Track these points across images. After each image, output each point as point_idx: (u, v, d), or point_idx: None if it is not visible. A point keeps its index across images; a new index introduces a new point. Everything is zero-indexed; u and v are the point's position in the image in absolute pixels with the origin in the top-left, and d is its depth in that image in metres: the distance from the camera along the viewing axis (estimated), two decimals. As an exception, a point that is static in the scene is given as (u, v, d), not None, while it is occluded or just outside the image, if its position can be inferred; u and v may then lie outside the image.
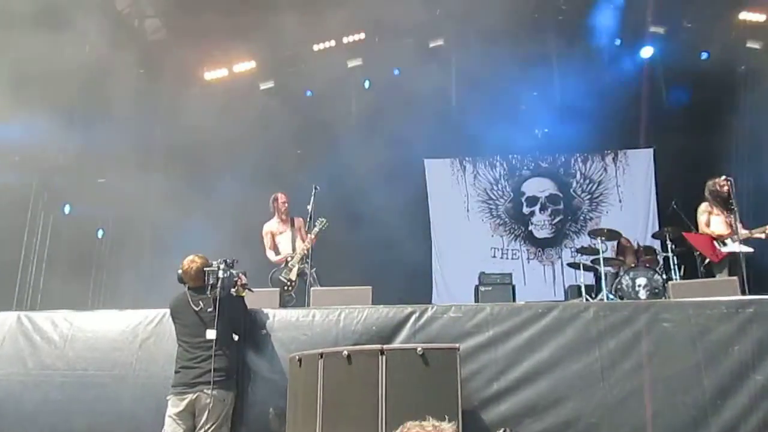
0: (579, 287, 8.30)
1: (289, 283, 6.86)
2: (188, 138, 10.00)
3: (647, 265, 8.04)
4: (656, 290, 7.51)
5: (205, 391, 4.34)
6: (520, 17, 9.99)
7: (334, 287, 5.93)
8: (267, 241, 7.42)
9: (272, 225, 7.48)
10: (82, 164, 9.33)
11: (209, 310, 4.50)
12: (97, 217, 10.23)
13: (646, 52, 10.72)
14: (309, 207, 6.70)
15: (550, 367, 4.62)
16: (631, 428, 4.41)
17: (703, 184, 7.02)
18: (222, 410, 4.46)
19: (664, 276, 7.80)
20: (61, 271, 9.54)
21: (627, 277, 7.84)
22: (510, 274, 8.81)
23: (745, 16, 10.10)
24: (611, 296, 7.80)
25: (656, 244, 8.90)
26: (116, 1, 9.97)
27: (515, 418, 4.49)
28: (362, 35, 10.61)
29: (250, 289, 4.93)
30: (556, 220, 11.62)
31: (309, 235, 6.86)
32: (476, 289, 8.71)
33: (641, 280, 7.68)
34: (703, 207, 6.90)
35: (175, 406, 4.44)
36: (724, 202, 6.73)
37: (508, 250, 11.52)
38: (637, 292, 7.69)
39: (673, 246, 7.92)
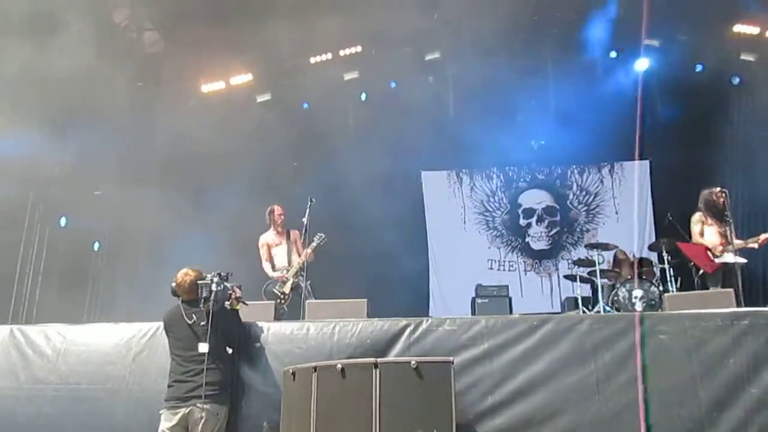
0: (576, 299, 8.31)
1: (282, 296, 6.85)
2: (185, 150, 10.01)
3: (643, 277, 8.04)
4: (653, 302, 7.51)
5: (198, 405, 4.31)
6: (516, 30, 10.05)
7: (330, 300, 5.91)
8: (263, 253, 7.42)
9: (268, 237, 7.49)
10: (78, 177, 9.33)
11: (202, 323, 4.47)
12: (93, 230, 10.21)
13: (642, 64, 10.77)
14: (304, 219, 6.71)
15: (545, 380, 4.60)
16: (626, 441, 4.39)
17: (698, 196, 7.03)
18: (215, 424, 4.43)
19: (661, 288, 7.80)
20: (57, 283, 9.54)
21: (623, 289, 7.85)
22: (507, 286, 8.80)
23: (739, 28, 10.17)
24: (608, 308, 7.80)
25: (653, 256, 8.91)
26: (114, 14, 10.02)
27: (510, 432, 4.46)
28: (359, 48, 10.66)
29: (244, 303, 4.91)
30: (552, 232, 11.63)
31: (306, 249, 6.86)
32: (473, 301, 8.69)
33: (638, 292, 7.69)
34: (697, 217, 6.91)
35: (168, 420, 4.41)
36: (718, 213, 6.74)
37: (505, 261, 11.51)
38: (633, 304, 7.70)
39: (669, 258, 7.92)
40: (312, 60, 10.57)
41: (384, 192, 10.47)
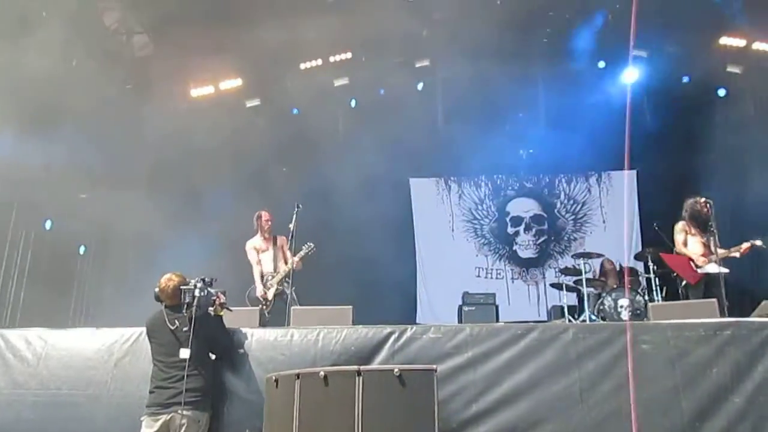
0: (562, 308, 8.34)
1: (265, 302, 6.82)
2: (173, 154, 9.97)
3: (629, 286, 8.07)
4: (638, 311, 7.54)
5: (179, 411, 4.27)
6: (506, 39, 10.08)
7: (315, 306, 5.89)
8: (252, 257, 7.39)
9: (255, 242, 7.47)
10: (64, 180, 9.25)
11: (185, 329, 4.44)
12: (78, 234, 10.13)
13: (630, 75, 10.85)
14: (291, 226, 6.68)
15: (529, 388, 4.60)
16: (609, 451, 4.40)
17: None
18: (197, 431, 4.39)
19: (646, 297, 7.85)
20: (42, 287, 9.43)
21: (609, 298, 7.89)
22: (493, 294, 8.81)
23: (725, 41, 10.27)
24: (594, 317, 7.83)
25: (639, 266, 8.97)
26: (104, 17, 9.97)
27: (494, 441, 4.45)
28: (349, 55, 10.66)
29: (228, 309, 4.88)
30: (540, 240, 11.67)
31: (293, 257, 6.83)
32: (460, 308, 8.69)
33: (623, 302, 7.72)
34: (680, 226, 6.95)
35: (149, 426, 4.37)
36: (702, 223, 6.78)
37: (492, 269, 11.54)
38: (619, 313, 7.73)
39: (655, 267, 7.97)
40: (302, 66, 10.56)
41: (372, 198, 10.46)
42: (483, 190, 11.94)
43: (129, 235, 10.54)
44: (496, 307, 8.51)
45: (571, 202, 11.75)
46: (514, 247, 11.68)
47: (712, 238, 6.49)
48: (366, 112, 11.22)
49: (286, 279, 6.87)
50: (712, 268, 6.52)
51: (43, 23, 8.80)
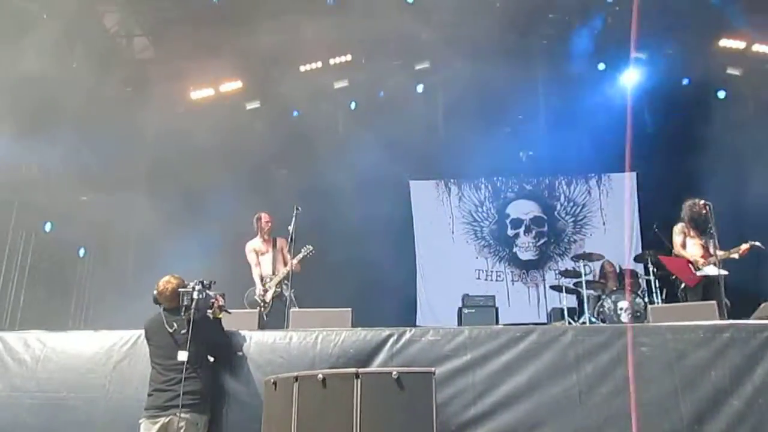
0: (562, 310, 8.33)
1: (263, 305, 6.81)
2: (173, 157, 9.98)
3: (629, 288, 8.06)
4: (638, 314, 7.54)
5: (177, 414, 4.26)
6: (506, 42, 10.10)
7: (314, 309, 5.89)
8: (252, 259, 7.40)
9: (255, 243, 7.46)
10: (64, 182, 9.26)
11: (183, 331, 4.43)
12: (78, 236, 10.13)
13: (630, 77, 10.85)
14: (290, 228, 6.68)
15: (527, 391, 4.59)
16: (609, 453, 4.39)
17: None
18: (195, 434, 4.39)
19: (646, 299, 7.84)
20: (42, 289, 9.45)
21: (609, 300, 7.89)
22: (493, 297, 8.81)
23: (725, 43, 10.28)
24: (593, 319, 7.82)
25: (639, 268, 8.96)
26: (105, 19, 9.99)
27: (492, 444, 4.45)
28: (349, 57, 10.66)
29: (227, 311, 4.88)
30: (540, 242, 11.66)
31: (292, 259, 6.83)
32: (459, 311, 8.68)
33: (623, 304, 7.72)
34: (679, 228, 6.95)
35: (147, 429, 4.36)
36: (701, 225, 6.78)
37: (492, 271, 11.53)
38: (619, 316, 7.73)
39: (655, 270, 7.97)
40: (302, 68, 10.56)
41: (372, 201, 10.46)
42: (483, 193, 11.94)
43: (129, 237, 10.57)
44: (496, 310, 8.50)
45: (571, 204, 11.74)
46: (514, 249, 11.67)
47: (711, 241, 6.49)
48: (366, 114, 11.23)
49: (285, 281, 6.86)
50: (711, 270, 6.52)
51: (44, 25, 8.84)
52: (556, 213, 11.76)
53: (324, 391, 3.93)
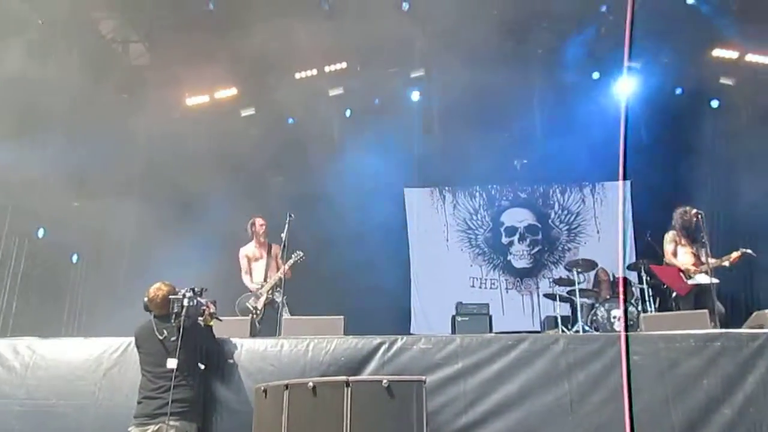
0: (556, 318, 8.32)
1: (255, 311, 6.79)
2: (167, 163, 9.96)
3: (624, 297, 8.07)
4: (631, 322, 7.53)
5: (166, 422, 4.24)
6: (501, 50, 10.13)
7: (306, 317, 5.87)
8: (243, 265, 7.38)
9: (249, 249, 7.45)
10: (57, 188, 9.23)
11: (173, 338, 4.41)
12: (71, 242, 10.09)
13: (624, 86, 10.89)
14: (283, 235, 6.67)
15: (519, 399, 4.60)
16: (599, 463, 4.38)
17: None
18: (184, 442, 4.37)
19: (639, 308, 7.84)
20: (35, 296, 9.40)
21: (602, 309, 7.89)
22: (487, 305, 8.78)
23: (718, 53, 10.33)
24: (587, 327, 7.82)
25: (632, 276, 8.96)
26: (101, 26, 10.00)
27: (483, 452, 4.44)
28: (344, 64, 10.68)
29: (218, 318, 4.86)
30: (534, 251, 11.67)
31: (284, 266, 6.82)
32: (453, 319, 8.66)
33: (616, 312, 7.72)
34: (670, 236, 6.96)
35: (136, 437, 4.34)
36: (692, 233, 6.80)
37: (486, 279, 11.53)
38: (612, 324, 7.73)
39: (648, 278, 7.96)
40: (297, 75, 10.58)
41: (367, 208, 10.48)
42: (477, 200, 11.95)
43: (122, 243, 10.52)
44: (490, 318, 8.48)
45: (566, 212, 11.76)
46: (509, 257, 11.68)
47: (703, 249, 6.50)
48: (361, 121, 11.24)
49: (278, 288, 6.84)
50: (703, 279, 6.53)
51: (40, 31, 8.84)
52: (550, 221, 11.77)
53: (314, 400, 3.92)
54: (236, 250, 7.60)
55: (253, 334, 5.74)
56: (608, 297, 8.20)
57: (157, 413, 4.30)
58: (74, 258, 10.19)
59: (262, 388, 4.29)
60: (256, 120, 11.19)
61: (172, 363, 4.31)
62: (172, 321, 4.43)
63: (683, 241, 6.86)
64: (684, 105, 10.85)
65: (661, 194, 10.40)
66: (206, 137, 10.43)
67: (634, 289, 8.44)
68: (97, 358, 5.05)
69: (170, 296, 4.50)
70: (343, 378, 4.00)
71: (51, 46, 8.84)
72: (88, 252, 10.38)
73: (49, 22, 8.88)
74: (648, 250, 8.21)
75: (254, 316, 6.71)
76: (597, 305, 8.00)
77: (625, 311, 7.58)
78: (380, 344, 4.86)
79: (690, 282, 6.63)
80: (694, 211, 6.70)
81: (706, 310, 5.51)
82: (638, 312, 7.56)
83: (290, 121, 11.37)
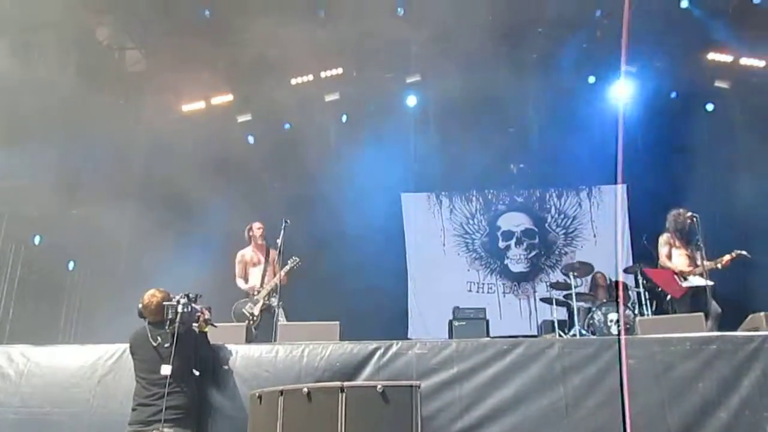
0: (552, 322, 8.31)
1: (251, 317, 6.77)
2: (163, 169, 9.96)
3: (620, 300, 8.06)
4: (627, 326, 7.52)
5: (160, 429, 4.23)
6: (497, 55, 10.16)
7: (302, 322, 5.87)
8: (238, 269, 7.35)
9: (246, 253, 7.42)
10: (53, 195, 9.22)
11: (166, 345, 4.40)
12: (68, 249, 10.08)
13: (620, 90, 10.93)
14: (279, 241, 6.67)
15: (514, 404, 4.60)
16: (595, 466, 4.38)
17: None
18: (179, 449, 4.35)
19: (636, 311, 7.83)
20: (31, 302, 9.38)
21: (599, 313, 7.88)
22: (484, 309, 8.76)
23: (713, 56, 10.38)
24: (584, 331, 7.80)
25: (629, 279, 8.95)
26: (97, 32, 10.02)
27: (479, 457, 4.43)
28: (340, 70, 10.70)
29: (213, 325, 4.85)
30: (531, 255, 11.67)
31: (280, 272, 6.81)
32: (450, 323, 8.65)
33: (613, 316, 7.71)
34: (665, 239, 6.95)
35: (131, 444, 4.32)
36: (686, 235, 6.79)
37: (484, 284, 11.52)
38: (609, 328, 7.72)
39: (645, 282, 7.95)
40: (293, 81, 10.59)
41: (364, 213, 10.50)
42: (474, 205, 11.95)
43: (119, 250, 10.51)
44: (487, 322, 8.44)
45: (562, 216, 11.77)
46: (506, 262, 11.68)
47: (698, 252, 6.50)
48: (357, 127, 11.26)
49: (274, 294, 6.83)
50: (697, 281, 6.52)
51: (37, 38, 8.85)
52: (547, 225, 11.78)
53: (309, 405, 3.91)
54: (233, 256, 7.58)
55: (249, 340, 5.73)
56: (605, 301, 8.19)
57: (152, 420, 4.28)
58: (70, 265, 10.17)
59: (257, 394, 4.28)
60: (253, 126, 11.20)
61: (166, 370, 4.29)
62: (167, 327, 4.42)
63: (677, 244, 6.85)
64: (679, 108, 10.88)
65: (658, 197, 10.40)
66: (202, 143, 10.44)
67: (630, 292, 8.44)
68: (92, 365, 5.04)
69: (164, 303, 4.49)
70: (338, 383, 3.99)
71: (47, 52, 8.85)
72: (85, 258, 10.37)
73: (46, 28, 8.90)
74: (645, 253, 8.20)
75: (251, 322, 6.69)
76: (594, 309, 7.99)
77: (622, 314, 7.59)
78: (376, 349, 4.86)
79: (685, 284, 6.62)
80: (689, 213, 6.70)
81: (701, 313, 5.51)
82: (635, 315, 7.55)
83: (286, 126, 11.38)
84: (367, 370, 4.78)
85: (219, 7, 9.63)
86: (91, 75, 9.47)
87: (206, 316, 4.73)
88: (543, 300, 9.06)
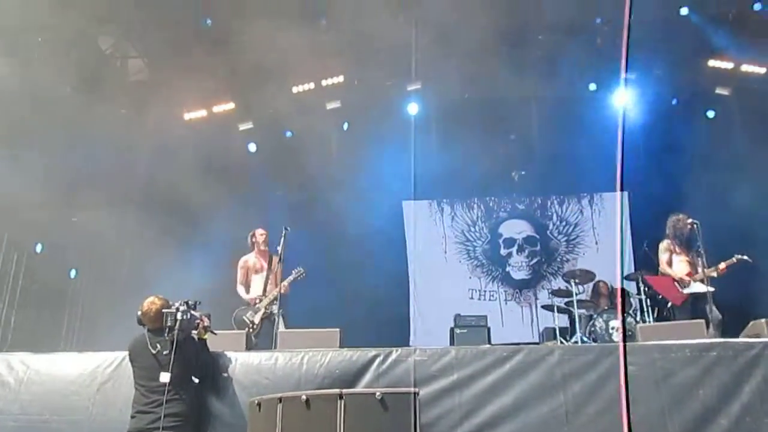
0: (554, 329, 8.28)
1: (252, 326, 6.76)
2: (166, 178, 9.99)
3: (624, 308, 8.03)
4: (629, 333, 7.49)
5: (159, 436, 4.23)
6: (497, 62, 10.18)
7: (302, 329, 5.86)
8: (240, 275, 7.33)
9: (249, 260, 7.40)
10: (55, 203, 9.26)
11: (165, 352, 4.41)
12: (70, 257, 10.11)
13: (620, 97, 10.92)
14: (279, 248, 6.67)
15: (514, 411, 4.59)
16: (595, 474, 4.36)
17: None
18: (178, 456, 4.34)
19: (637, 318, 7.81)
20: (33, 310, 9.41)
21: (600, 320, 7.86)
22: (485, 317, 8.71)
23: (714, 63, 10.38)
24: (585, 338, 7.78)
25: (631, 286, 8.93)
26: (100, 42, 10.08)
27: (478, 465, 4.42)
28: (341, 78, 10.73)
29: (212, 332, 4.86)
30: (533, 262, 11.65)
31: (283, 281, 6.80)
32: (452, 331, 8.62)
33: (614, 323, 7.69)
34: (665, 245, 6.93)
35: (130, 452, 4.32)
36: (686, 241, 6.78)
37: (485, 291, 11.49)
38: (610, 335, 7.70)
39: (646, 288, 7.93)
40: (294, 89, 10.63)
41: (365, 221, 10.50)
42: (475, 212, 11.94)
43: (120, 258, 10.53)
44: (488, 329, 8.42)
45: (564, 223, 11.75)
46: (507, 269, 11.65)
47: (699, 258, 6.47)
48: (358, 134, 11.29)
49: (274, 302, 6.82)
50: (698, 287, 6.50)
51: (40, 47, 8.92)
52: (548, 232, 11.76)
53: (308, 413, 3.90)
54: (235, 263, 7.58)
55: (249, 347, 5.73)
56: (606, 308, 8.17)
57: (151, 427, 4.28)
58: (72, 273, 10.20)
59: (256, 401, 4.27)
60: (254, 134, 11.23)
61: (165, 377, 4.30)
62: (166, 335, 4.43)
63: (678, 250, 6.84)
64: (680, 115, 10.88)
65: (659, 204, 10.38)
66: (204, 151, 10.48)
67: (632, 299, 8.41)
68: (91, 372, 5.05)
69: (164, 310, 4.50)
70: (337, 390, 3.98)
71: (50, 61, 8.90)
72: (87, 266, 10.39)
73: (49, 38, 8.97)
74: (646, 260, 8.19)
75: (251, 329, 6.68)
76: (595, 316, 7.97)
77: (624, 322, 7.57)
78: (375, 356, 4.86)
79: (685, 291, 6.60)
80: (689, 219, 6.69)
81: (702, 320, 5.49)
82: (636, 322, 7.53)
83: (288, 134, 11.41)
84: (367, 377, 4.78)
85: (220, 16, 9.68)
86: (93, 83, 9.52)
87: (206, 324, 4.74)
88: (544, 307, 9.04)
